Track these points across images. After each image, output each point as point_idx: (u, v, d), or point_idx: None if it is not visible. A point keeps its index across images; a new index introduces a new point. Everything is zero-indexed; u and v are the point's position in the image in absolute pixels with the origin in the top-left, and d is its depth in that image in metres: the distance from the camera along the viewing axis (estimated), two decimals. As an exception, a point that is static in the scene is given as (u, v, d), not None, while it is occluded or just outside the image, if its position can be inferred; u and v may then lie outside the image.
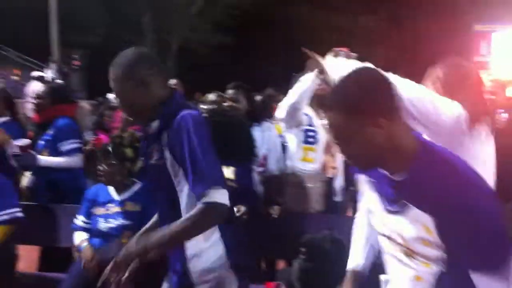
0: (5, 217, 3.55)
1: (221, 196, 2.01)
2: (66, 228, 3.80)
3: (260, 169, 3.81)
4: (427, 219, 1.55)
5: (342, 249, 3.31)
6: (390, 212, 1.68)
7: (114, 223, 3.40)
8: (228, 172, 3.20)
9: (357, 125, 1.52)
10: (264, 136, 3.81)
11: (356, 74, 1.63)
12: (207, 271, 2.13)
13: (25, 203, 3.88)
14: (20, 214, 3.62)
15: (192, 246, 2.13)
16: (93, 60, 17.81)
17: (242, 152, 3.39)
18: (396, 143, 1.54)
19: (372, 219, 1.86)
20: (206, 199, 1.99)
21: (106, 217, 3.43)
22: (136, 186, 3.50)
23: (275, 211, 3.70)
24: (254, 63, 22.57)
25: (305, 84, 3.62)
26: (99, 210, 3.46)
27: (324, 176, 3.91)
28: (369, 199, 1.84)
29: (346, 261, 3.28)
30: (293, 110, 3.66)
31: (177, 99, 2.20)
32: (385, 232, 1.75)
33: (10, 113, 4.45)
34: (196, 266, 2.13)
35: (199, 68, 22.61)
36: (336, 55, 3.56)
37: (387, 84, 1.58)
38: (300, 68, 3.93)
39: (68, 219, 3.76)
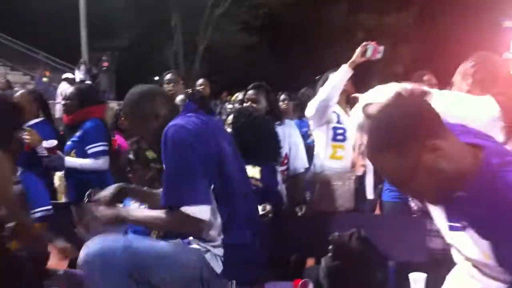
0: (37, 215, 3.65)
1: (198, 213, 2.07)
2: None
3: (283, 168, 3.80)
4: (483, 243, 1.45)
5: (369, 247, 3.30)
6: (451, 228, 1.58)
7: None
8: (254, 171, 3.21)
9: (413, 158, 1.37)
10: (286, 135, 3.80)
11: (390, 106, 1.50)
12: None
13: (55, 201, 3.95)
14: (51, 213, 3.71)
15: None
16: (121, 61, 18.06)
17: (268, 152, 3.39)
18: (458, 161, 1.41)
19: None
20: (184, 209, 2.07)
21: None
22: None
23: (300, 210, 3.69)
24: (281, 63, 22.59)
25: (335, 81, 3.63)
26: None
27: (353, 174, 3.88)
28: (432, 210, 1.70)
29: (374, 259, 3.28)
30: (323, 107, 3.65)
31: (185, 111, 2.29)
32: (452, 244, 1.68)
33: (43, 114, 4.52)
34: None
35: (226, 69, 22.71)
36: (365, 50, 3.60)
37: (425, 104, 1.47)
38: (326, 67, 3.93)
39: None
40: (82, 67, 15.20)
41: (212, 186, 2.16)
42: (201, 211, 2.06)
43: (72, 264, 4.19)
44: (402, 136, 1.38)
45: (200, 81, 6.90)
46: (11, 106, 3.45)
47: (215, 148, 2.19)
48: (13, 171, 3.04)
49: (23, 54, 19.39)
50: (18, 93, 4.48)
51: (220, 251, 2.22)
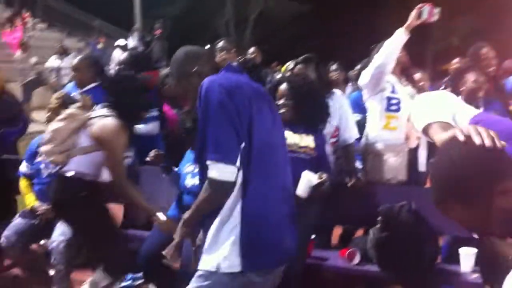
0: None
1: (220, 173, 2.02)
2: (147, 188, 3.97)
3: (333, 140, 3.77)
4: None
5: (420, 220, 3.27)
6: None
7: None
8: (308, 140, 3.20)
9: (484, 206, 1.27)
10: (336, 107, 3.75)
11: (452, 155, 1.33)
12: (217, 243, 2.10)
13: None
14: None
15: (219, 217, 2.11)
16: (173, 29, 18.18)
17: (319, 120, 3.37)
18: None
19: None
20: (208, 174, 2.05)
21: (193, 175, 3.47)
22: None
23: (350, 180, 3.67)
24: (333, 32, 22.23)
25: (390, 46, 3.57)
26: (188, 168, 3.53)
27: (407, 145, 3.81)
28: None
29: (423, 233, 3.25)
30: (378, 73, 3.60)
31: (225, 70, 2.26)
32: None
33: (99, 79, 4.63)
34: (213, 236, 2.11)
35: (277, 38, 22.54)
36: (420, 12, 3.51)
37: (488, 150, 1.29)
38: (380, 38, 3.85)
39: (148, 180, 3.98)
40: (135, 34, 15.37)
41: (243, 145, 2.06)
42: (228, 171, 2.01)
43: (125, 224, 4.37)
44: (470, 189, 1.27)
45: (252, 49, 6.88)
46: (144, 86, 3.60)
47: (248, 108, 2.09)
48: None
49: (79, 20, 19.79)
50: (76, 58, 4.58)
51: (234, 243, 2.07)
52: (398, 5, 18.68)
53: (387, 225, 3.23)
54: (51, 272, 3.71)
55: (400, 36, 3.55)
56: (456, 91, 3.62)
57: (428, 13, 3.53)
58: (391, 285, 3.85)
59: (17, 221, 3.73)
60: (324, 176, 3.01)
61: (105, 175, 3.24)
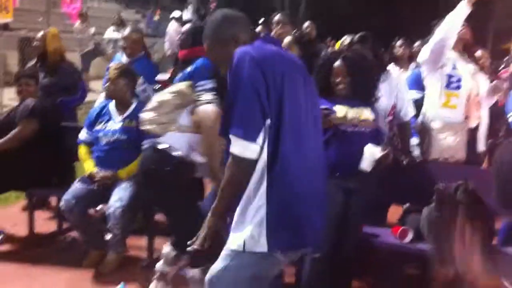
0: (147, 145, 3.86)
1: (242, 150, 1.95)
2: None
3: (389, 118, 3.71)
4: None
5: (476, 201, 3.19)
6: None
7: None
8: (367, 113, 3.19)
9: None
10: (393, 86, 3.69)
11: None
12: (244, 222, 2.04)
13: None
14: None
15: (246, 196, 2.05)
16: (228, 3, 18.16)
17: (373, 94, 3.34)
18: None
19: None
20: (230, 151, 1.98)
21: None
22: None
23: (405, 158, 3.61)
24: (391, 9, 21.69)
25: (452, 19, 3.46)
26: None
27: (466, 124, 3.70)
28: None
29: (480, 214, 3.17)
30: (439, 48, 3.50)
31: (259, 40, 2.17)
32: None
33: (143, 50, 4.75)
34: (241, 215, 2.06)
35: (332, 14, 22.18)
36: None
37: None
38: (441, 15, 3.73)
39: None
40: (190, 6, 15.46)
41: (268, 122, 1.98)
42: (249, 149, 1.95)
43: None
44: None
45: (307, 23, 6.81)
46: None
47: (280, 83, 1.99)
48: None
49: (136, -8, 20.07)
50: (127, 30, 4.70)
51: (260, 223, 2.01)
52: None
53: (442, 204, 3.18)
54: (107, 237, 3.84)
55: (462, 10, 3.44)
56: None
57: None
58: (443, 264, 3.81)
59: (76, 186, 3.85)
60: (388, 149, 2.98)
61: (197, 157, 3.28)
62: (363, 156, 3.03)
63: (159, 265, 3.39)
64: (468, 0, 3.43)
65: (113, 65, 4.14)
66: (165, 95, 3.32)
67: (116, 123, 3.92)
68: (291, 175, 2.03)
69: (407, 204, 3.83)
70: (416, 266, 3.91)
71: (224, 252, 2.09)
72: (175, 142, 3.26)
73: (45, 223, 4.59)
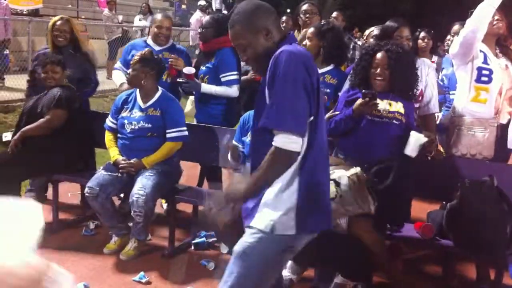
0: (174, 134, 3.88)
1: (288, 143, 2.03)
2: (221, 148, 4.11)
3: (416, 105, 3.63)
4: None
5: (502, 198, 3.13)
6: None
7: None
8: (398, 106, 3.18)
9: None
10: (423, 74, 3.62)
11: None
12: (274, 206, 2.12)
13: (189, 123, 4.16)
14: (186, 133, 3.93)
15: (269, 191, 2.14)
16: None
17: (411, 89, 3.30)
18: None
19: None
20: (274, 143, 2.04)
21: None
22: None
23: (430, 153, 3.54)
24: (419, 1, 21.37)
25: (483, 12, 3.35)
26: None
27: (496, 120, 3.60)
28: None
29: (504, 211, 3.11)
30: (470, 39, 3.39)
31: (289, 40, 2.21)
32: None
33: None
34: (269, 199, 2.14)
35: (359, 4, 21.95)
36: None
37: None
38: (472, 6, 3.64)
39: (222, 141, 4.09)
40: (219, -4, 15.42)
41: (311, 118, 2.11)
42: (295, 142, 2.04)
43: (200, 182, 4.45)
44: None
45: (335, 13, 6.75)
46: None
47: (317, 80, 2.14)
48: None
49: (164, -20, 20.09)
50: (160, 16, 4.65)
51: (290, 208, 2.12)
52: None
53: (466, 201, 3.13)
54: (130, 224, 3.88)
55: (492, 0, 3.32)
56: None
57: None
58: (466, 261, 3.76)
59: (100, 173, 3.89)
60: (432, 135, 2.98)
61: None
62: (408, 141, 3.05)
63: None
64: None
65: (138, 53, 4.12)
66: None
67: (140, 111, 3.95)
68: (318, 166, 2.19)
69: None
70: (438, 262, 3.87)
71: (250, 231, 2.17)
72: None
73: (66, 211, 4.65)
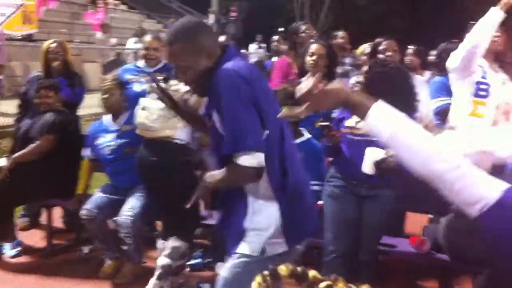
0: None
1: (251, 160, 1.97)
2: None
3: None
4: None
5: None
6: None
7: None
8: None
9: None
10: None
11: None
12: (259, 229, 2.09)
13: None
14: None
15: (252, 203, 2.10)
16: (249, 12, 18.25)
17: (405, 103, 3.28)
18: None
19: None
20: (237, 161, 1.98)
21: None
22: None
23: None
24: (412, 16, 21.56)
25: (484, 25, 3.33)
26: None
27: None
28: None
29: (498, 226, 3.09)
30: (470, 54, 3.37)
31: (229, 55, 2.11)
32: None
33: None
34: (252, 222, 2.10)
35: (352, 21, 22.12)
36: None
37: None
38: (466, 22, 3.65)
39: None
40: (212, 16, 15.57)
41: (267, 132, 2.03)
42: (256, 157, 1.97)
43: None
44: None
45: (340, 33, 6.73)
46: None
47: (264, 94, 2.06)
48: None
49: (158, 3, 20.28)
50: (149, 36, 4.67)
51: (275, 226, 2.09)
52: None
53: (461, 214, 3.11)
54: (124, 247, 3.86)
55: (494, 15, 3.30)
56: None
57: None
58: (462, 276, 3.74)
59: (98, 195, 3.88)
60: (391, 152, 2.92)
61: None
62: (364, 158, 2.96)
63: (163, 260, 3.42)
64: (502, 5, 3.30)
65: (109, 76, 4.09)
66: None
67: (115, 131, 3.94)
68: (293, 172, 2.12)
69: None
70: (434, 277, 3.84)
71: (237, 258, 2.11)
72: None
73: (60, 235, 4.62)
